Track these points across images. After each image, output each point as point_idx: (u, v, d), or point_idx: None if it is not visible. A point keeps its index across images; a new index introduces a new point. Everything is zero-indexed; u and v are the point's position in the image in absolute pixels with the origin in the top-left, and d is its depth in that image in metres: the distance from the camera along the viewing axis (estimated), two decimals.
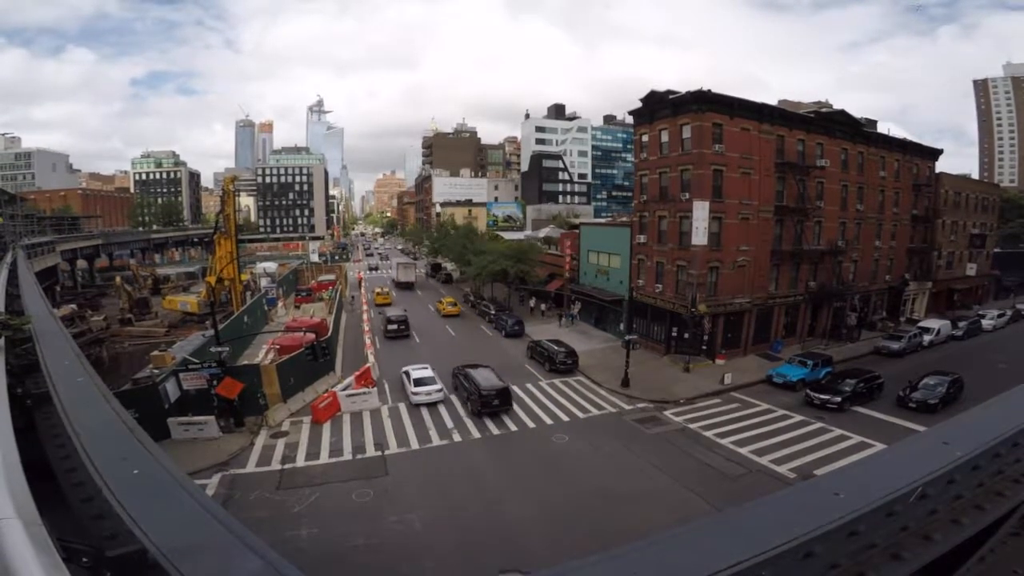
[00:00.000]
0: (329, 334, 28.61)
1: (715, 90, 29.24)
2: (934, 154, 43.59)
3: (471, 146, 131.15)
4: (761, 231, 31.24)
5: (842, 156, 35.32)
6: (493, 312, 40.87)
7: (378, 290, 50.41)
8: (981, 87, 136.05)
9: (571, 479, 16.63)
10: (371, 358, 28.40)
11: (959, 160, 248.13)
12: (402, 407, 22.87)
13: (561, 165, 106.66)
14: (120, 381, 24.31)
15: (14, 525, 1.75)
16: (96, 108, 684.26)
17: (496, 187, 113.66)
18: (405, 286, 58.80)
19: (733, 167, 29.69)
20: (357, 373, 24.87)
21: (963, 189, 47.18)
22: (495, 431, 20.57)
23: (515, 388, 24.93)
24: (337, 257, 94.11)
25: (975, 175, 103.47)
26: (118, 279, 49.03)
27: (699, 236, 28.21)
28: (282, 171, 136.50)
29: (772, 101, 36.24)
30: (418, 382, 23.61)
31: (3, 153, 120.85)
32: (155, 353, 29.59)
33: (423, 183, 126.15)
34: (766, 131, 30.96)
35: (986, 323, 38.56)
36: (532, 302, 44.47)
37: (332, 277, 58.35)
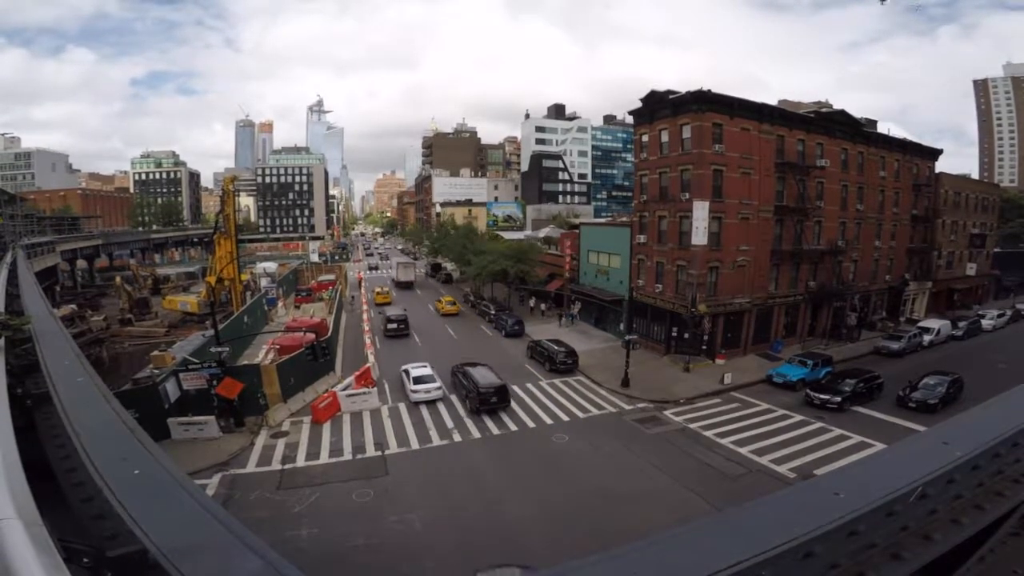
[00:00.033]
0: (329, 334, 28.62)
1: (715, 90, 29.25)
2: (934, 154, 43.59)
3: (471, 146, 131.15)
4: (761, 231, 31.25)
5: (842, 156, 35.32)
6: (493, 312, 40.88)
7: (378, 289, 50.57)
8: (981, 87, 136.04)
9: (571, 479, 16.63)
10: (371, 358, 28.41)
11: (959, 160, 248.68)
12: (402, 407, 22.87)
13: (561, 165, 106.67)
14: (120, 381, 24.31)
15: (15, 525, 1.75)
16: (96, 108, 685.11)
17: (496, 187, 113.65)
18: (405, 285, 59.03)
19: (733, 167, 29.69)
20: (357, 373, 24.87)
21: (963, 189, 47.18)
22: (495, 431, 20.58)
23: (515, 388, 24.95)
24: (337, 257, 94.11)
25: (975, 175, 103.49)
26: (118, 279, 49.01)
27: (699, 236, 28.22)
28: (282, 171, 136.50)
29: (772, 101, 36.26)
30: (417, 380, 23.76)
31: (3, 153, 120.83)
32: (155, 353, 29.58)
33: (423, 183, 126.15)
34: (766, 131, 30.96)
35: (986, 323, 38.55)
36: (532, 302, 44.47)
37: (332, 277, 58.35)
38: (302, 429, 20.50)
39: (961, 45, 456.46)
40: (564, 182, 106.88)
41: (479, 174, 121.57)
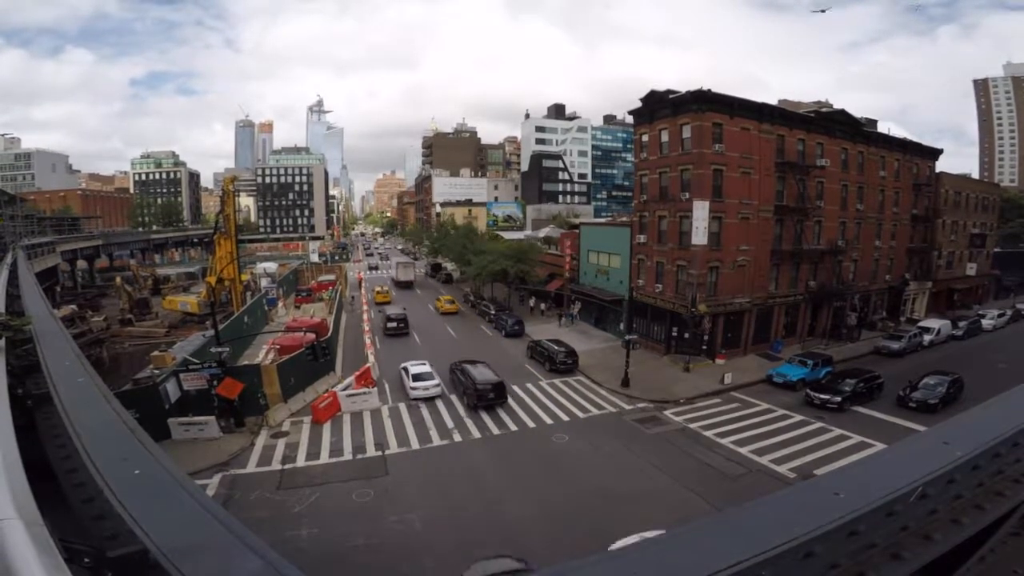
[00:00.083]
0: (329, 334, 28.63)
1: (715, 90, 29.28)
2: (934, 154, 43.60)
3: (471, 146, 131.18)
4: (761, 231, 31.25)
5: (842, 156, 35.33)
6: (493, 312, 40.91)
7: (378, 289, 50.86)
8: (981, 87, 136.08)
9: (571, 479, 16.64)
10: (371, 358, 28.42)
11: (959, 160, 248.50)
12: (402, 407, 22.89)
13: (561, 165, 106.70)
14: (120, 381, 24.31)
15: (15, 525, 1.75)
16: (95, 108, 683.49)
17: (496, 187, 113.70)
18: (404, 285, 59.28)
19: (733, 167, 29.69)
20: (357, 373, 24.89)
21: (963, 189, 47.19)
22: (495, 431, 20.59)
23: (515, 388, 25.00)
24: (337, 257, 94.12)
25: (975, 175, 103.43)
26: (118, 279, 49.03)
27: (699, 236, 28.22)
28: (282, 171, 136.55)
29: (772, 101, 36.26)
30: (416, 377, 23.99)
31: (3, 154, 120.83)
32: (155, 353, 29.60)
33: (423, 183, 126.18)
34: (766, 131, 30.97)
35: (986, 323, 38.57)
36: (532, 302, 44.51)
37: (332, 277, 58.41)
38: (302, 429, 20.51)
39: (961, 45, 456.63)
40: (564, 182, 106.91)
41: (479, 174, 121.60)
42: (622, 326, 33.77)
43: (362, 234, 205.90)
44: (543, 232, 64.02)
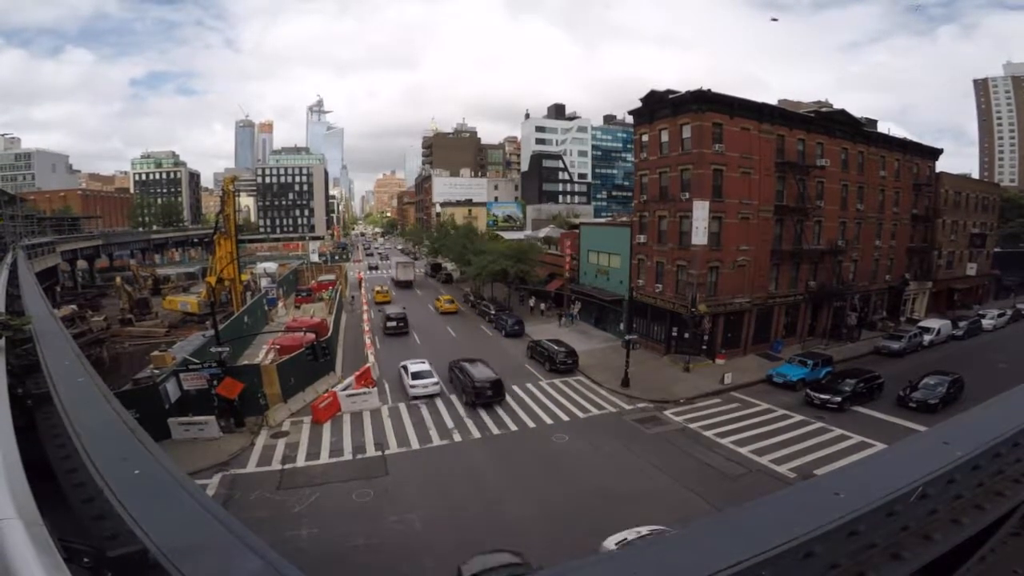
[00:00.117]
0: (329, 334, 28.62)
1: (715, 90, 29.25)
2: (934, 154, 43.59)
3: (471, 146, 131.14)
4: (761, 231, 31.24)
5: (842, 156, 35.31)
6: (493, 312, 40.91)
7: (378, 288, 50.94)
8: (981, 87, 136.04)
9: (571, 479, 16.64)
10: (371, 358, 28.41)
11: (959, 160, 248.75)
12: (402, 407, 22.89)
13: (561, 165, 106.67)
14: (120, 381, 24.32)
15: (15, 525, 1.75)
16: (95, 108, 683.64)
17: (496, 187, 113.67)
18: (404, 284, 59.40)
19: (733, 167, 29.69)
20: (357, 373, 24.88)
21: (963, 189, 47.17)
22: (495, 431, 20.58)
23: (515, 388, 25.01)
24: (337, 257, 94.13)
25: (975, 175, 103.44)
26: (118, 279, 49.03)
27: (699, 236, 28.22)
28: (282, 171, 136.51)
29: (772, 101, 36.26)
30: (416, 375, 24.12)
31: (3, 154, 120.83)
32: (155, 353, 29.61)
33: (423, 183, 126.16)
34: (766, 131, 30.95)
35: (986, 323, 38.56)
36: (532, 302, 44.49)
37: (332, 277, 58.40)
38: (302, 429, 20.51)
39: (961, 45, 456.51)
40: (564, 182, 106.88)
41: (479, 174, 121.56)
42: (622, 326, 33.76)
43: (362, 234, 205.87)
44: (543, 232, 64.01)
